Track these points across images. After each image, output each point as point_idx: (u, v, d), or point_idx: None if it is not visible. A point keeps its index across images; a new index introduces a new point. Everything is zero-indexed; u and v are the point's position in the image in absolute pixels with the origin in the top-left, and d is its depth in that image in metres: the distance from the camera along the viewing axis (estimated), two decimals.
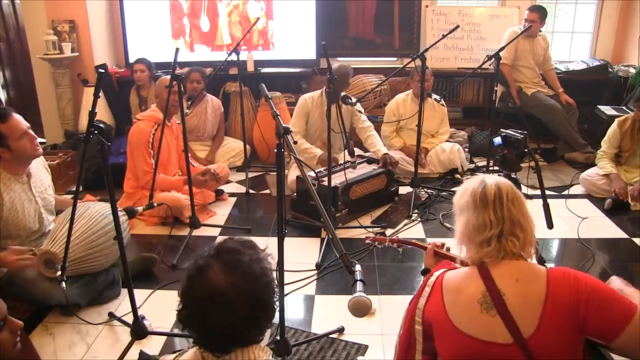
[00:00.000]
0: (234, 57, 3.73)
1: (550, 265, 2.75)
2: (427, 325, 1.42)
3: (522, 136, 4.15)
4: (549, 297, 1.26)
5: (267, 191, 4.04)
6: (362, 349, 2.18)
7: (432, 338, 1.41)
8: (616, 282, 1.64)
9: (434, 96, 4.04)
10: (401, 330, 1.56)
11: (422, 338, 1.44)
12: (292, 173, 3.71)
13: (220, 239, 1.25)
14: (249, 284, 1.10)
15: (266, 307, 1.14)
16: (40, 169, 2.56)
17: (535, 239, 1.41)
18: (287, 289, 2.51)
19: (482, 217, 1.37)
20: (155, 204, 2.74)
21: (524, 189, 3.65)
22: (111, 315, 2.40)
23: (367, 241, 2.14)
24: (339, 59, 5.20)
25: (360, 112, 3.83)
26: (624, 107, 4.61)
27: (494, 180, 1.42)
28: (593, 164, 4.02)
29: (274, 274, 1.18)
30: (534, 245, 1.40)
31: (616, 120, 3.75)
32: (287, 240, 2.16)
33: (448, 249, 1.82)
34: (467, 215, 1.41)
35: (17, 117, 2.26)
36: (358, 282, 1.29)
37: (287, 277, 2.41)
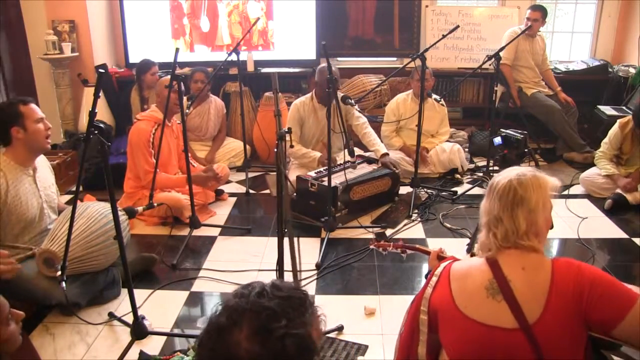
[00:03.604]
0: (234, 57, 3.73)
1: None
2: (433, 314, 1.43)
3: (522, 136, 4.14)
4: (553, 286, 1.29)
5: (267, 191, 4.04)
6: (362, 349, 2.18)
7: (437, 330, 1.42)
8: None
9: (434, 96, 4.04)
10: (402, 329, 1.56)
11: (426, 329, 1.45)
12: (292, 173, 3.71)
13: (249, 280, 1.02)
14: None
15: None
16: (44, 167, 2.59)
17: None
18: None
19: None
20: (155, 204, 2.75)
21: None
22: (111, 315, 2.40)
23: (371, 246, 2.14)
24: (339, 59, 5.21)
25: (357, 110, 3.82)
26: (624, 107, 4.60)
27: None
28: (591, 164, 4.01)
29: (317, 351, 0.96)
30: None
31: (618, 121, 3.72)
32: (287, 240, 2.17)
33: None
34: None
35: (36, 106, 2.43)
36: None
37: (287, 277, 2.41)
